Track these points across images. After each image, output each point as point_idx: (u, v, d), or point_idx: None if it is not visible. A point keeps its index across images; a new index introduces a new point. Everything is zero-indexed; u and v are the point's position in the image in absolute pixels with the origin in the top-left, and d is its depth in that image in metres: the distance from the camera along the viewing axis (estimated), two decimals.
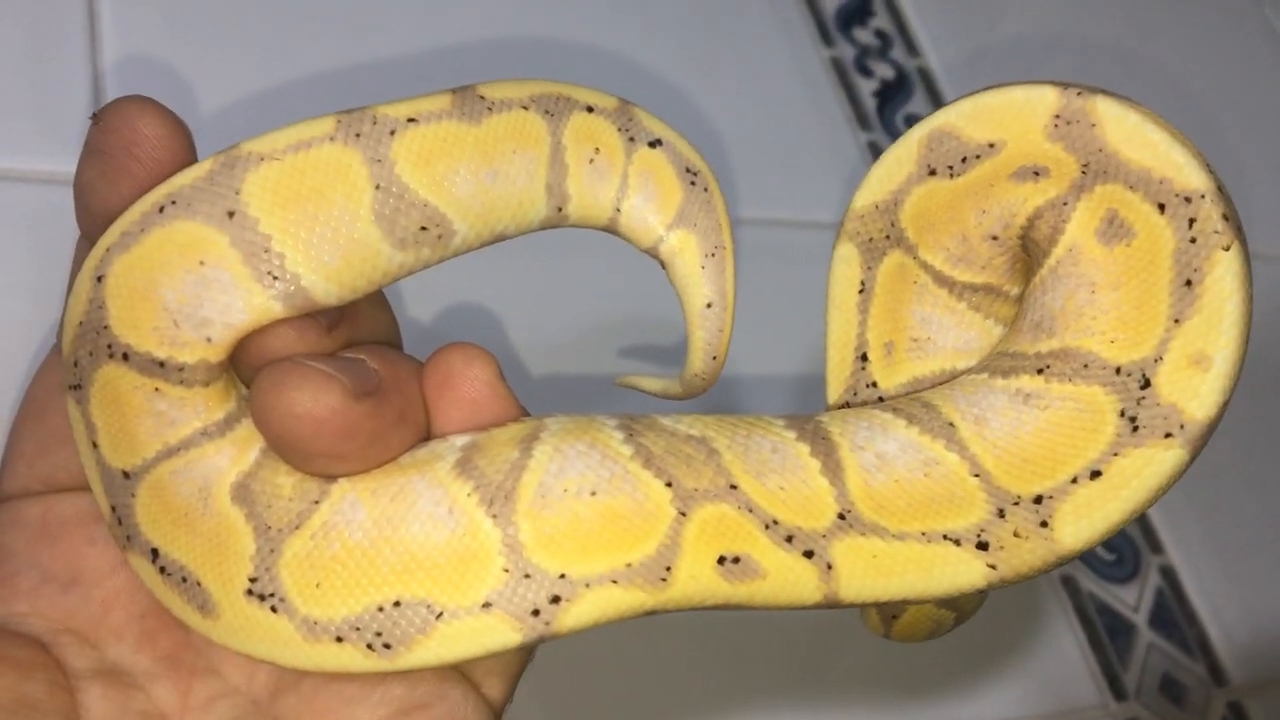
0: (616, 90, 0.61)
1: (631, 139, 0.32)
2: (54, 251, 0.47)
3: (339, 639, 0.27)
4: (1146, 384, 0.28)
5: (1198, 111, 0.80)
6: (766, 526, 0.28)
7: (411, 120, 0.28)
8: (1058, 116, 0.29)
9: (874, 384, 0.33)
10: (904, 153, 0.31)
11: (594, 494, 0.28)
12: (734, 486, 0.28)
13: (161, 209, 0.26)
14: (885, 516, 0.28)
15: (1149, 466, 0.28)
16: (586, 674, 0.48)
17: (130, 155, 0.27)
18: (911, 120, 0.71)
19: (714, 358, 0.33)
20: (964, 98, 0.30)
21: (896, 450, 0.29)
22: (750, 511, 0.28)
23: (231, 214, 0.26)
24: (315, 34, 0.57)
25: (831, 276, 0.33)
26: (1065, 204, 0.29)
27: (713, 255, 0.33)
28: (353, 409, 0.26)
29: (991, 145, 0.30)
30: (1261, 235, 0.74)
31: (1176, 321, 0.28)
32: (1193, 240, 0.28)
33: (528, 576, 0.27)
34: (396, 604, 0.27)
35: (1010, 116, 0.30)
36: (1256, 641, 0.61)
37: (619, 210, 0.32)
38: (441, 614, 0.27)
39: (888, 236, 0.32)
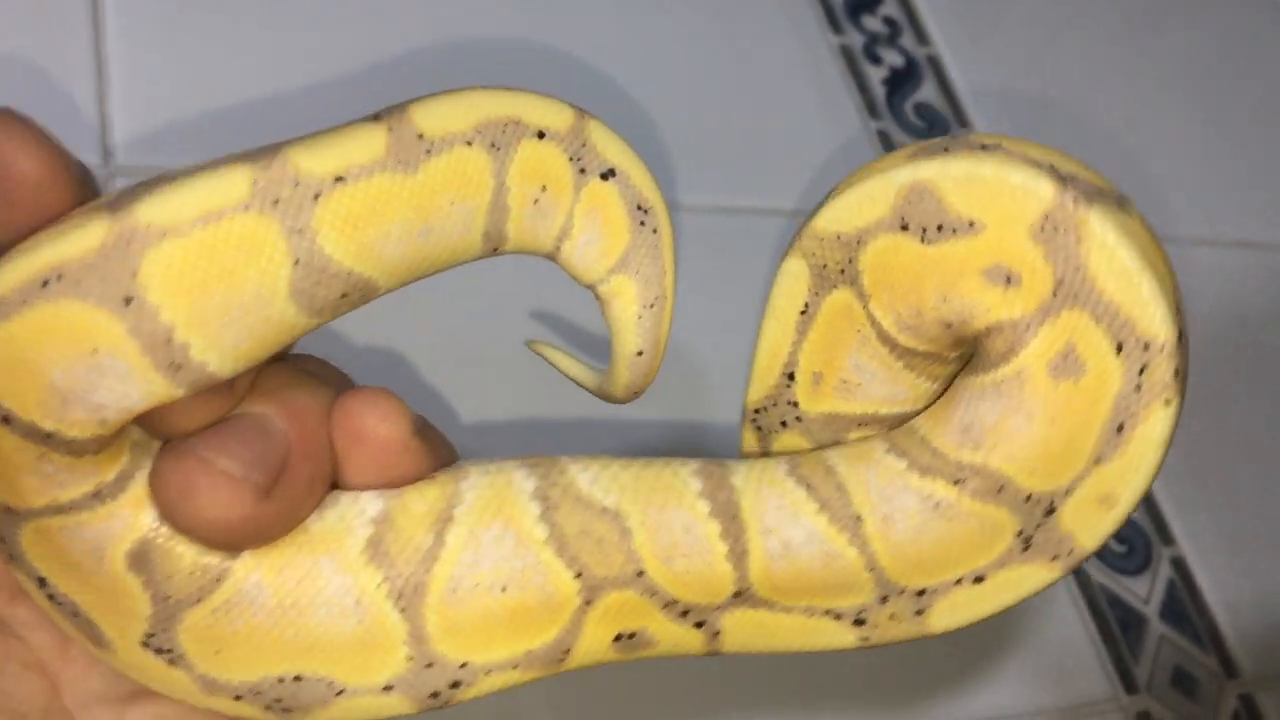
0: (624, 81, 0.60)
1: (583, 170, 0.29)
2: None
3: (237, 697, 0.27)
4: (1050, 511, 0.28)
5: (1204, 95, 0.79)
6: (665, 606, 0.29)
7: (339, 179, 0.25)
8: (1047, 218, 0.27)
9: (795, 403, 0.32)
10: (880, 192, 0.29)
11: (504, 589, 0.28)
12: (641, 573, 0.29)
13: (46, 283, 0.23)
14: (778, 595, 0.29)
15: (1028, 580, 0.29)
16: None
17: (7, 200, 0.24)
18: (921, 109, 0.70)
19: (635, 393, 0.32)
20: (961, 155, 0.28)
21: (802, 540, 0.29)
22: (653, 595, 0.29)
23: (129, 300, 0.23)
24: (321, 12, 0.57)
25: (776, 286, 0.32)
26: (1028, 329, 0.28)
27: (651, 306, 0.31)
28: (263, 507, 0.25)
29: (972, 224, 0.28)
30: (1260, 224, 0.74)
31: (1098, 461, 0.28)
32: (1138, 388, 0.27)
33: (430, 665, 0.28)
34: (297, 678, 0.27)
35: (1001, 200, 0.28)
36: (1268, 634, 0.60)
37: (559, 248, 0.30)
38: (342, 691, 0.27)
39: (843, 271, 0.30)
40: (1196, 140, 0.77)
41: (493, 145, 0.27)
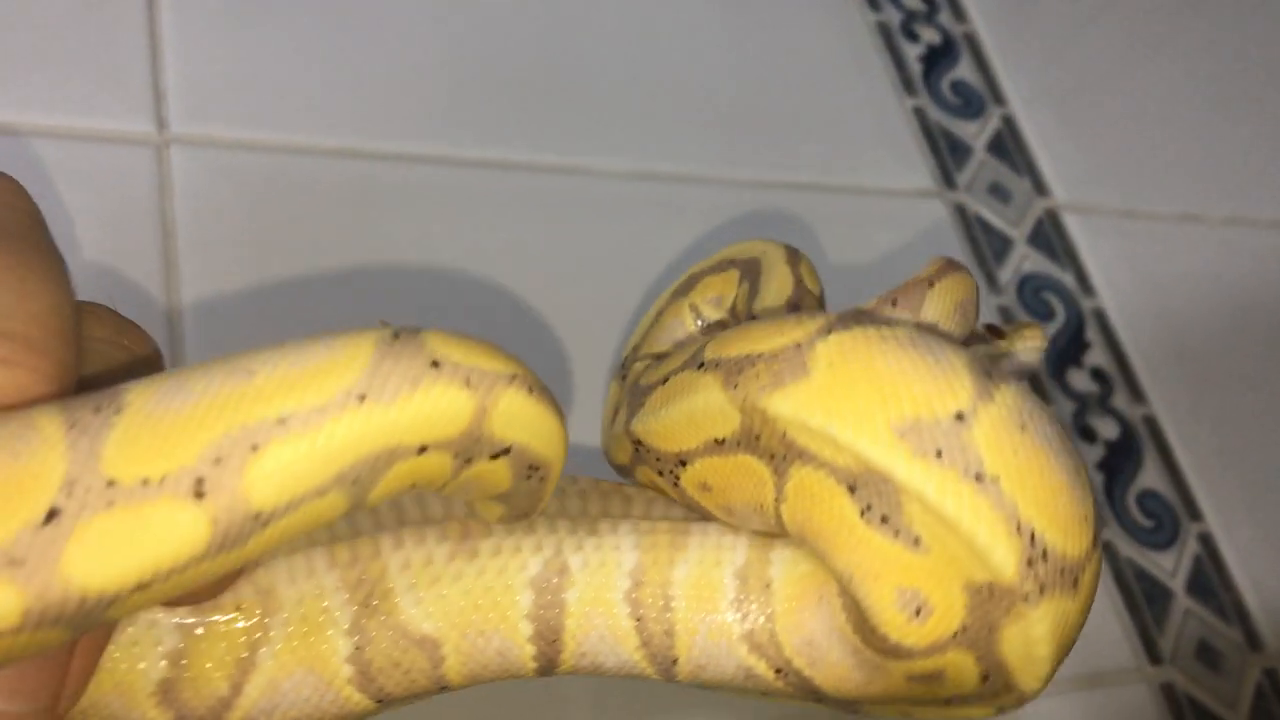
0: (661, 58, 0.61)
1: (468, 460, 0.25)
2: (109, 209, 0.49)
3: None
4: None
5: (1243, 74, 0.79)
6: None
7: (141, 587, 0.22)
8: (992, 589, 0.26)
9: (677, 477, 0.31)
10: (850, 443, 0.27)
11: None
12: (445, 687, 0.29)
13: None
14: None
15: None
16: None
17: None
18: (957, 86, 0.71)
19: None
20: (949, 471, 0.26)
21: (614, 666, 0.30)
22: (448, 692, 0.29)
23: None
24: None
25: (699, 399, 0.30)
26: (910, 656, 0.28)
27: (516, 518, 0.29)
28: None
29: (918, 542, 0.27)
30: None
31: (915, 704, 0.31)
32: (980, 698, 0.29)
33: None
34: None
35: (959, 547, 0.26)
36: None
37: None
38: None
39: (772, 456, 0.29)
40: (1233, 120, 0.77)
41: (354, 483, 0.23)
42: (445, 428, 0.24)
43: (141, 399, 0.22)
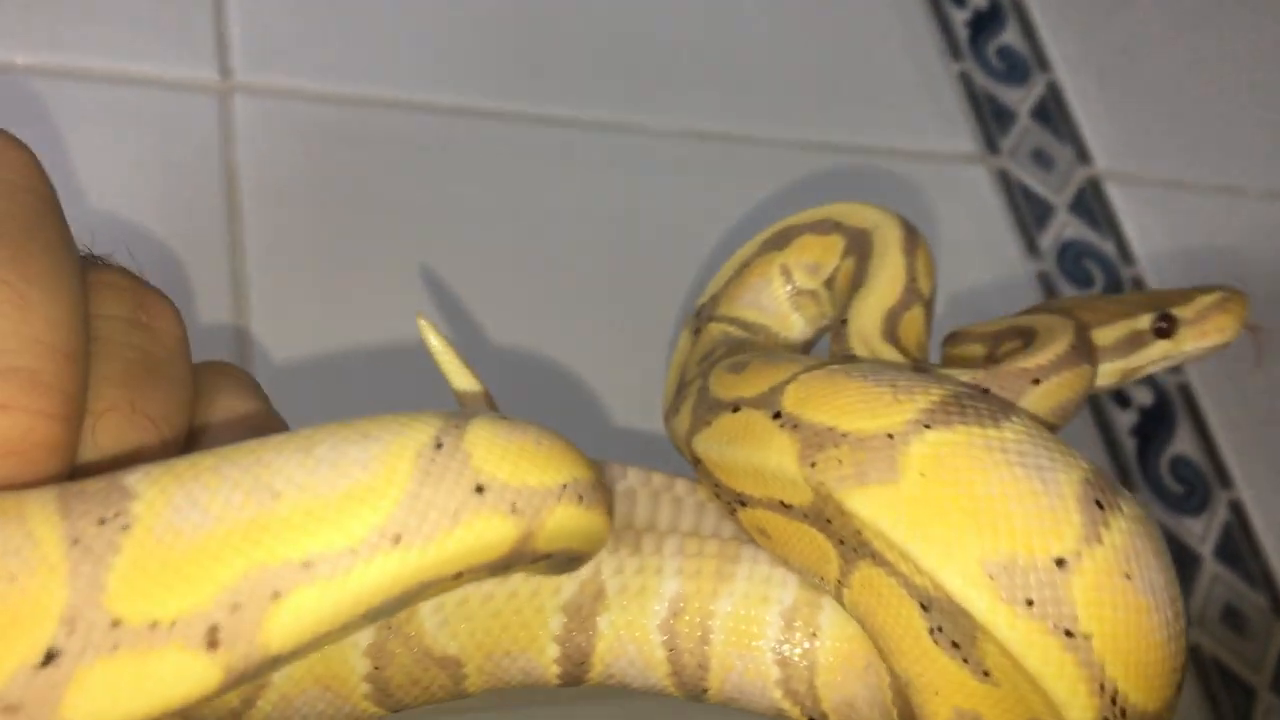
0: (707, 17, 0.61)
1: (507, 567, 0.24)
2: (172, 156, 0.50)
3: None
4: None
5: (1277, 47, 0.79)
6: None
7: None
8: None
9: (734, 509, 0.30)
10: (933, 569, 0.25)
11: None
12: (461, 697, 0.28)
13: None
14: None
15: None
16: None
17: None
18: (1004, 52, 0.71)
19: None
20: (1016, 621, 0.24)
21: (640, 685, 0.29)
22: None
23: None
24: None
25: (770, 460, 0.27)
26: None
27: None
28: None
29: (986, 674, 0.26)
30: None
31: None
32: None
33: None
34: None
35: (1029, 695, 0.25)
36: None
37: None
38: None
39: (842, 541, 0.27)
40: (1276, 91, 0.77)
41: (380, 613, 0.22)
42: (485, 556, 0.22)
43: (151, 513, 0.20)
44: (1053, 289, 0.64)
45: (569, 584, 0.28)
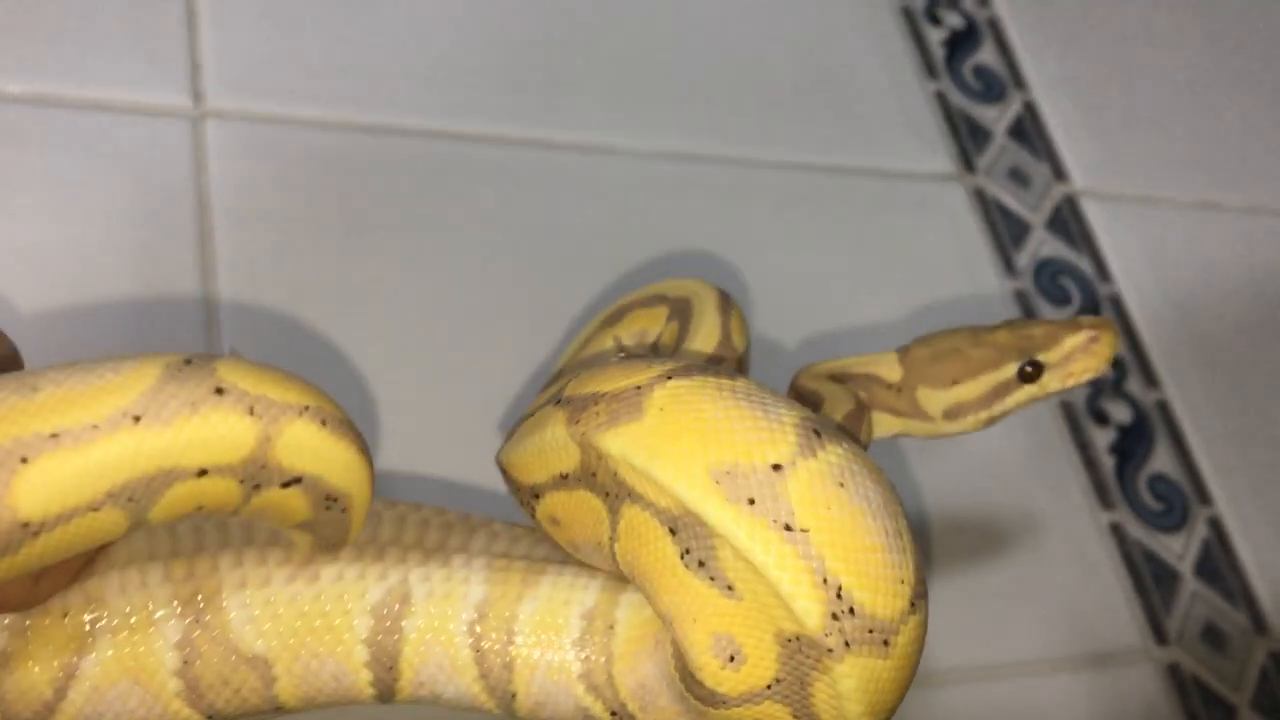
0: (682, 38, 0.61)
1: (256, 486, 0.26)
2: (144, 182, 0.50)
3: None
4: None
5: (1263, 63, 0.80)
6: None
7: None
8: (800, 639, 0.27)
9: (532, 510, 0.32)
10: (669, 483, 0.28)
11: None
12: (279, 709, 0.29)
13: None
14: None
15: None
16: None
17: None
18: (980, 71, 0.71)
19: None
20: (763, 526, 0.26)
21: (452, 696, 0.30)
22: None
23: None
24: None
25: (546, 436, 0.31)
26: (725, 702, 0.28)
27: (329, 548, 0.29)
28: None
29: (731, 588, 0.28)
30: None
31: None
32: None
33: None
34: None
35: (766, 589, 0.27)
36: None
37: None
38: None
39: (607, 493, 0.29)
40: (1253, 110, 0.78)
41: (130, 499, 0.24)
42: (225, 453, 0.24)
43: None
44: (1030, 307, 0.64)
45: (375, 588, 0.29)
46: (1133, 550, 0.60)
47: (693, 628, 0.28)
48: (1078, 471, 0.61)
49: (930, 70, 0.70)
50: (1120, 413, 0.64)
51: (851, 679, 0.27)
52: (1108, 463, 0.62)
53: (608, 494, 0.29)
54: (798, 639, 0.27)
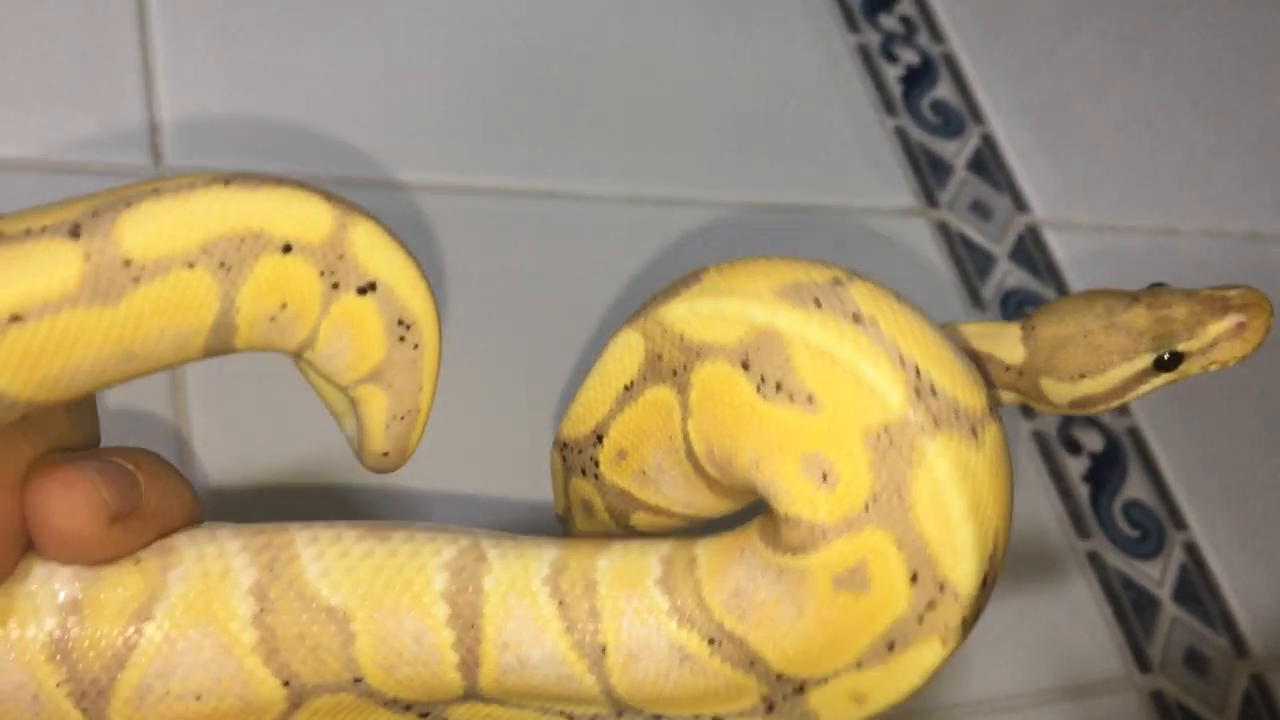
0: (641, 77, 0.62)
1: (335, 285, 0.26)
2: None
3: None
4: (800, 690, 0.28)
5: (1215, 89, 0.81)
6: (386, 703, 0.28)
7: (16, 319, 0.22)
8: (886, 429, 0.26)
9: (596, 462, 0.32)
10: (735, 317, 0.28)
11: (199, 698, 0.26)
12: (359, 680, 0.27)
13: None
14: (510, 697, 0.29)
15: None
16: None
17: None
18: (937, 106, 0.72)
19: (383, 472, 0.31)
20: (830, 318, 0.27)
21: (539, 659, 0.28)
22: (370, 696, 0.28)
23: None
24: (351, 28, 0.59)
25: (609, 352, 0.31)
26: (824, 536, 0.26)
27: (402, 419, 0.29)
28: None
29: (811, 399, 0.26)
30: (1270, 217, 0.75)
31: (859, 665, 0.27)
32: (920, 620, 0.26)
33: None
34: None
35: (847, 389, 0.26)
36: (1278, 614, 0.62)
37: (301, 355, 0.27)
38: None
39: (675, 373, 0.29)
40: (1207, 134, 0.79)
41: (222, 265, 0.24)
42: (308, 228, 0.25)
43: None
44: None
45: (448, 548, 0.28)
46: (1111, 578, 0.60)
47: (780, 456, 0.27)
48: (1053, 500, 0.61)
49: (889, 107, 0.70)
50: (1092, 441, 0.64)
51: (946, 460, 0.25)
52: (1082, 491, 0.62)
53: (675, 372, 0.29)
54: (886, 430, 0.25)
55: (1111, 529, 0.61)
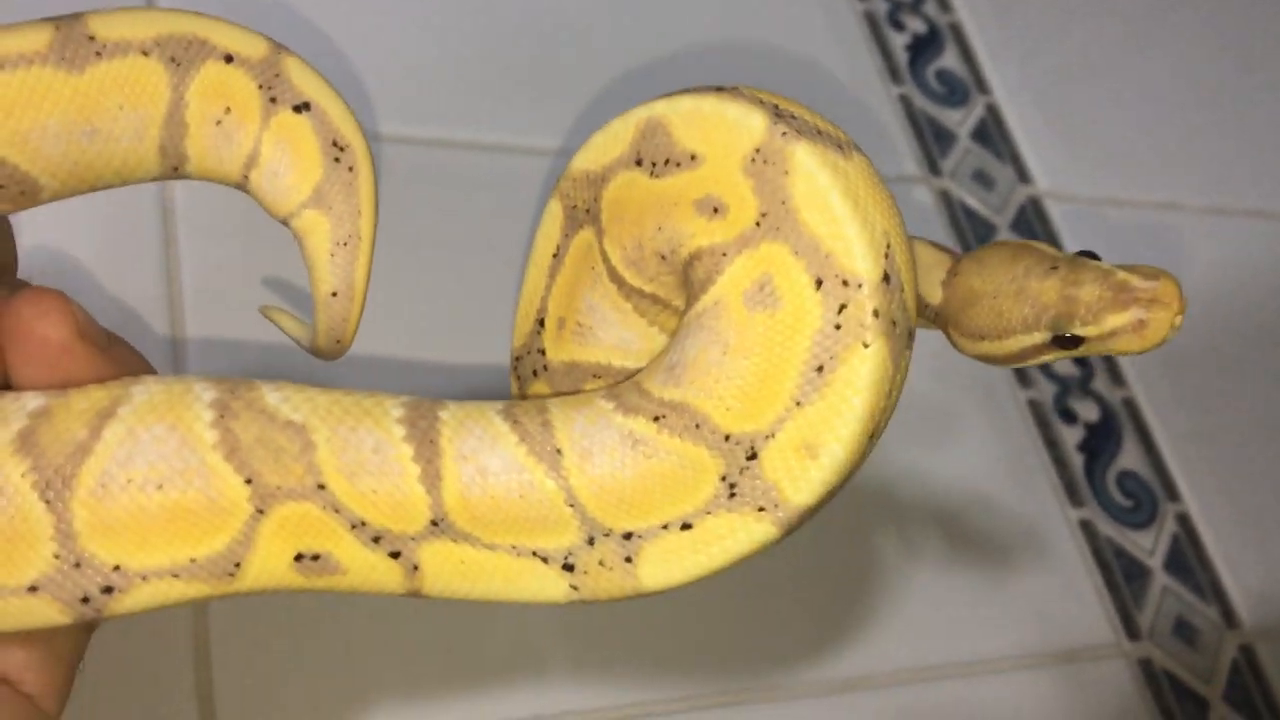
0: (645, 44, 0.62)
1: (274, 99, 0.28)
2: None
3: None
4: (753, 456, 0.28)
5: (1222, 65, 0.81)
6: (353, 526, 0.28)
7: None
8: (759, 151, 0.27)
9: (543, 351, 0.32)
10: (623, 129, 0.30)
11: (160, 487, 0.26)
12: (322, 486, 0.27)
13: None
14: (478, 528, 0.28)
15: (736, 533, 0.28)
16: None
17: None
18: (943, 75, 0.72)
19: (338, 341, 0.32)
20: (689, 92, 0.29)
21: (499, 468, 0.28)
22: (336, 511, 0.28)
23: None
24: None
25: (538, 230, 0.32)
26: (725, 255, 0.28)
27: (344, 244, 0.30)
28: None
29: (694, 157, 0.28)
30: (1274, 195, 0.75)
31: (798, 404, 0.27)
32: (837, 326, 0.27)
33: (78, 565, 0.26)
34: None
35: (718, 133, 0.28)
36: (1268, 586, 0.62)
37: (248, 177, 0.29)
38: None
39: (588, 210, 0.31)
40: (1213, 109, 0.79)
41: (172, 59, 0.27)
42: (245, 45, 0.28)
43: None
44: None
45: (401, 398, 0.29)
46: (1103, 547, 0.60)
47: (677, 211, 0.29)
48: (1047, 469, 0.61)
49: (894, 75, 0.70)
50: (1088, 411, 0.64)
51: (814, 159, 0.28)
52: (1077, 461, 0.62)
53: (588, 210, 0.30)
54: (757, 152, 0.27)
55: (1105, 498, 0.62)
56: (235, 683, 0.44)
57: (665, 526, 0.28)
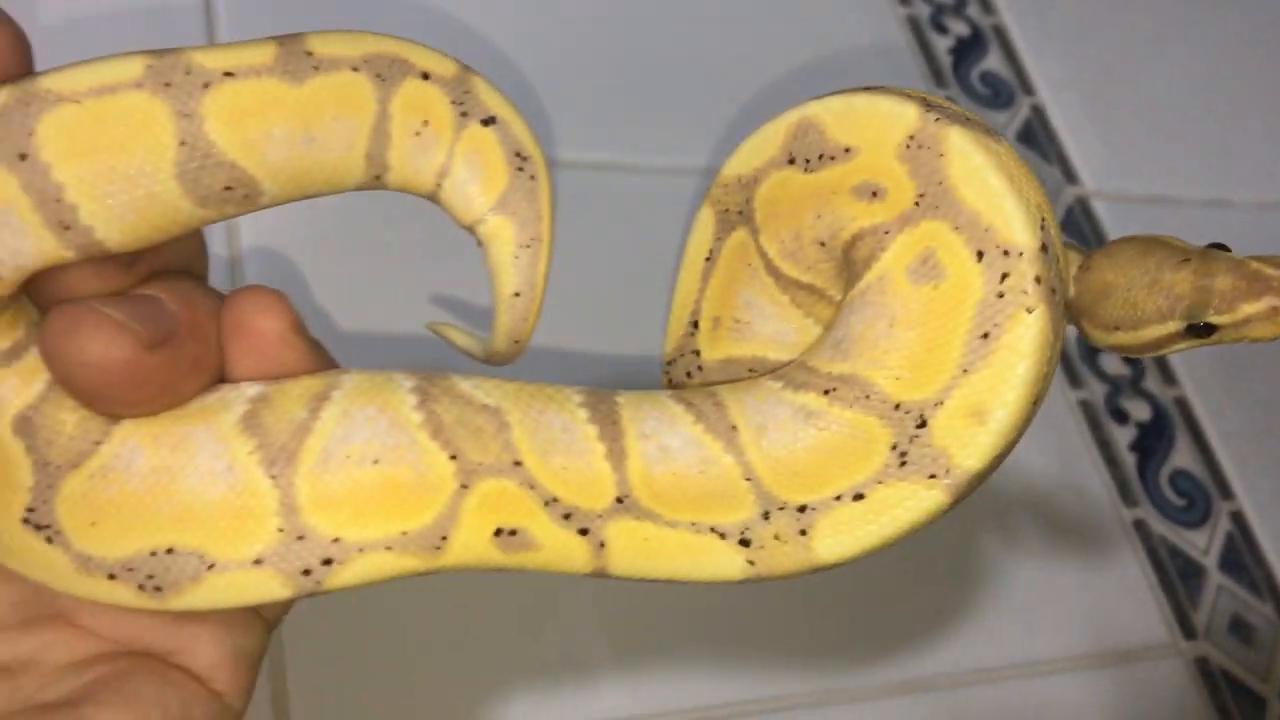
0: (694, 49, 0.63)
1: (464, 114, 0.30)
2: None
3: (111, 576, 0.27)
4: (922, 424, 0.28)
5: (1265, 63, 0.80)
6: (546, 503, 0.29)
7: (228, 74, 0.27)
8: (912, 138, 0.28)
9: (697, 352, 0.33)
10: (773, 133, 0.32)
11: (376, 462, 0.28)
12: (518, 463, 0.29)
13: None
14: (660, 504, 0.29)
15: (907, 501, 0.28)
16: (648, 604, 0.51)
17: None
18: (987, 77, 0.72)
19: (516, 341, 0.33)
20: (839, 93, 0.30)
21: (679, 445, 0.29)
22: (531, 488, 0.29)
23: (23, 156, 0.25)
24: None
25: (689, 237, 0.34)
26: (887, 233, 0.29)
27: (527, 246, 0.32)
28: (144, 360, 0.26)
29: (848, 150, 0.29)
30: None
31: (965, 371, 0.28)
32: (1000, 295, 0.27)
33: (301, 538, 0.27)
34: (170, 551, 0.27)
35: (871, 126, 0.29)
36: None
37: (440, 185, 0.31)
38: (213, 565, 0.27)
39: (740, 212, 0.32)
40: (1260, 106, 0.78)
41: (378, 75, 0.29)
42: (439, 65, 0.30)
43: None
44: None
45: (582, 393, 0.30)
46: (1157, 546, 0.60)
47: (835, 199, 0.30)
48: (1100, 470, 0.61)
49: (938, 77, 0.71)
50: (1140, 410, 0.64)
51: (968, 141, 0.28)
52: (1129, 460, 0.62)
53: (740, 212, 0.32)
54: (911, 139, 0.28)
55: (1158, 498, 0.62)
56: (309, 693, 0.45)
57: (838, 498, 0.29)
